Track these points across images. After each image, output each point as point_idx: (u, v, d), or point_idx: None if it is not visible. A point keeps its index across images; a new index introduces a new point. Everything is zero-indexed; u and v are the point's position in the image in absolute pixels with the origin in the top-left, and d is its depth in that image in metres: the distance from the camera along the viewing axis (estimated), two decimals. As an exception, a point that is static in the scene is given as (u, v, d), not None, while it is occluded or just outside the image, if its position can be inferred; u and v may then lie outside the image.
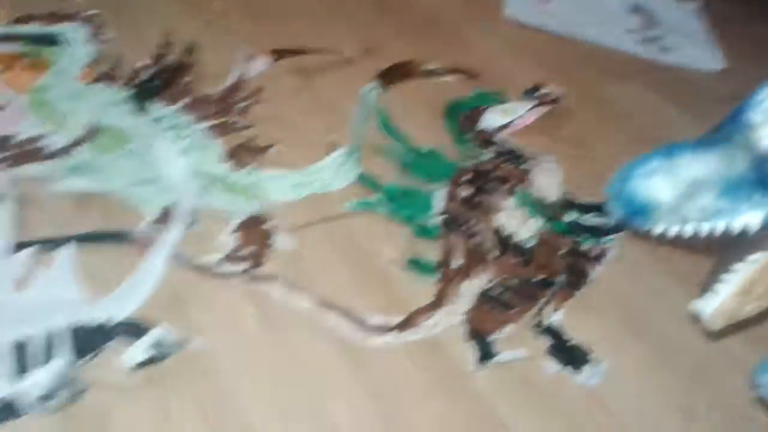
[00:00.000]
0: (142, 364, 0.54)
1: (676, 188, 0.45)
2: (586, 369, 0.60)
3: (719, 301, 0.48)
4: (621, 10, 1.19)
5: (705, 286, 0.49)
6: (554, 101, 0.91)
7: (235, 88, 0.86)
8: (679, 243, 0.48)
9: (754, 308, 0.49)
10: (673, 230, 0.46)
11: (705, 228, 0.46)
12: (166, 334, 0.55)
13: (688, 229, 0.46)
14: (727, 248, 0.49)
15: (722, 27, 1.17)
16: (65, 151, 0.73)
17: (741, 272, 0.48)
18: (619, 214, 0.47)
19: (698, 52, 1.09)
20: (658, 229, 0.47)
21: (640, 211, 0.46)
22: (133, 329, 0.56)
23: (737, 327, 0.55)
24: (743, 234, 0.46)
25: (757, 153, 0.45)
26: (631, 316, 0.66)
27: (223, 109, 0.82)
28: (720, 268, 0.49)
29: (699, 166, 0.45)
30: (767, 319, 0.59)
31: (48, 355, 0.53)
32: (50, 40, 0.85)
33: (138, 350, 0.54)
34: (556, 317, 0.64)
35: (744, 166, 0.45)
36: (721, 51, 1.10)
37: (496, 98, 0.91)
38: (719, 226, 0.46)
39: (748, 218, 0.45)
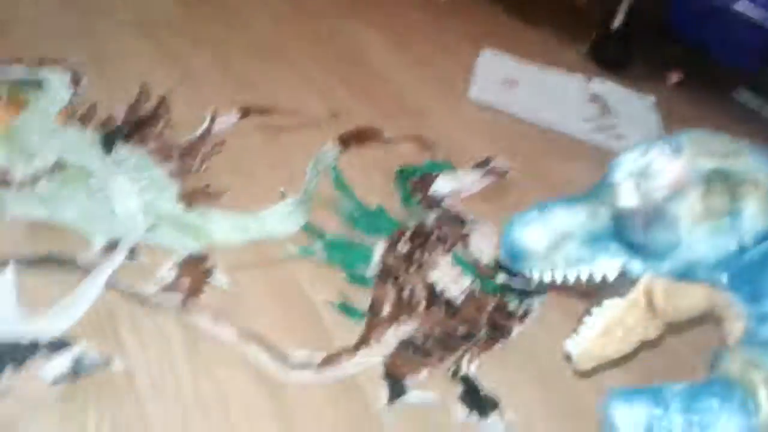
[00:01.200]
0: (60, 380, 0.56)
1: (548, 238, 0.50)
2: (493, 418, 0.62)
3: (583, 342, 0.52)
4: (580, 99, 1.26)
5: (575, 328, 0.54)
6: (501, 174, 0.96)
7: (201, 138, 0.91)
8: (563, 288, 0.52)
9: (616, 350, 0.53)
10: (546, 276, 0.51)
11: (571, 275, 0.51)
12: (87, 352, 0.57)
13: (558, 276, 0.51)
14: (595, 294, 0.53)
15: (673, 123, 1.25)
16: (27, 181, 0.77)
17: (600, 316, 0.52)
18: (503, 258, 0.52)
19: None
20: (534, 275, 0.51)
21: (518, 256, 0.51)
22: (57, 345, 0.58)
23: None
24: (604, 281, 0.50)
25: (615, 208, 0.50)
26: (544, 374, 0.69)
27: (186, 156, 0.87)
28: (587, 311, 0.53)
29: (568, 219, 0.50)
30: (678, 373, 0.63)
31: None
32: (32, 83, 0.91)
33: (56, 365, 0.56)
34: (472, 367, 0.67)
35: (605, 220, 0.50)
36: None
37: (448, 168, 0.96)
38: (583, 273, 0.50)
39: (606, 266, 0.50)
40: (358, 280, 0.74)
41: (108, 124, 0.88)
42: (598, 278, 0.51)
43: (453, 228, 0.84)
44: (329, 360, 0.64)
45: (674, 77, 1.45)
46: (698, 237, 0.49)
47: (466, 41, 1.38)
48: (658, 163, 0.50)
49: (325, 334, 0.68)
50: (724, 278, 0.51)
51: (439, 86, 1.22)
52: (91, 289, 0.65)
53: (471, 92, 1.20)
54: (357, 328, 0.69)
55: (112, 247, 0.71)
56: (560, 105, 1.22)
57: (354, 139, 0.98)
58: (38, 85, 0.91)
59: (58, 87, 0.92)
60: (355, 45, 1.27)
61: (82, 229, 0.73)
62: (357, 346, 0.66)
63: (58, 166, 0.80)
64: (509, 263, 0.52)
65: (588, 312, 0.53)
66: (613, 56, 1.40)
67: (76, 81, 0.93)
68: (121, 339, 0.62)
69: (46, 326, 0.61)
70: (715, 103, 1.41)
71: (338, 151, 0.94)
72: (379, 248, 0.78)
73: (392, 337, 0.68)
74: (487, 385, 0.65)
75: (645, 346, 0.57)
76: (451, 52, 1.34)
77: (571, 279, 0.51)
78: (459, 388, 0.64)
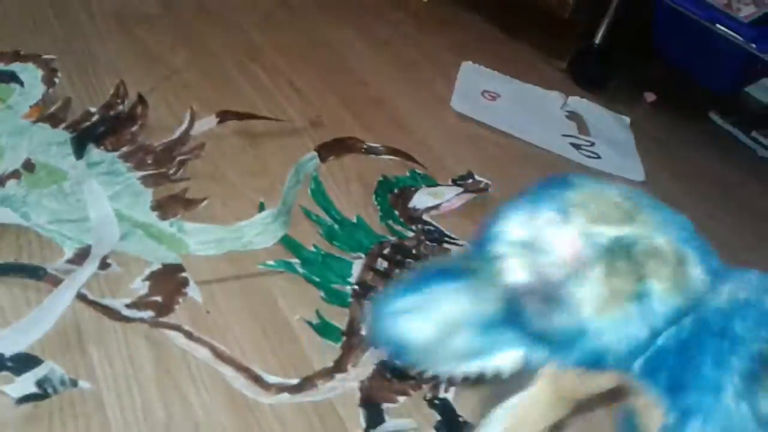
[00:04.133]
0: (25, 399, 0.54)
1: (433, 327, 0.43)
2: (470, 446, 0.61)
3: None
4: (559, 115, 1.27)
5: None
6: (482, 190, 0.96)
7: (178, 142, 0.89)
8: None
9: None
10: (430, 372, 0.44)
11: (458, 371, 0.43)
12: (54, 371, 0.55)
13: (443, 372, 0.44)
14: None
15: (648, 144, 1.27)
16: (-4, 182, 0.74)
17: (501, 420, 0.46)
18: (383, 351, 0.45)
19: (623, 162, 1.17)
20: (417, 370, 0.44)
21: (399, 350, 0.43)
22: (22, 362, 0.56)
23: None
24: (497, 377, 0.43)
25: (503, 288, 0.42)
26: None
27: (161, 160, 0.84)
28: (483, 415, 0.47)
29: (450, 304, 0.43)
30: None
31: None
32: (3, 78, 0.88)
33: (22, 384, 0.54)
34: (450, 393, 0.66)
35: (493, 303, 0.42)
36: (643, 165, 1.18)
37: (429, 181, 0.96)
38: (473, 368, 0.43)
39: (506, 358, 0.43)
40: (334, 298, 0.73)
41: (81, 124, 0.86)
42: (489, 374, 0.43)
43: (432, 245, 0.83)
44: (305, 383, 0.63)
45: (650, 97, 1.47)
46: (604, 325, 0.42)
47: (447, 49, 1.37)
48: (548, 234, 0.42)
49: (301, 354, 0.67)
50: (637, 367, 0.44)
51: (420, 94, 1.21)
52: (60, 301, 0.62)
53: (452, 102, 1.19)
54: (333, 348, 0.67)
55: (83, 254, 0.68)
56: (540, 120, 1.22)
57: (333, 148, 0.97)
58: (10, 79, 0.88)
59: (30, 83, 0.88)
60: (337, 50, 1.25)
61: (50, 235, 0.70)
62: (333, 370, 0.65)
63: (28, 167, 0.77)
64: (392, 357, 0.45)
65: (485, 416, 0.47)
66: (592, 73, 1.41)
67: (49, 77, 0.90)
68: (88, 355, 0.60)
69: (10, 340, 0.59)
70: (691, 124, 1.43)
71: (317, 161, 0.93)
72: (357, 265, 0.77)
73: (369, 360, 0.67)
74: (465, 413, 0.64)
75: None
76: (433, 59, 1.33)
77: (458, 377, 0.44)
78: (436, 415, 0.63)
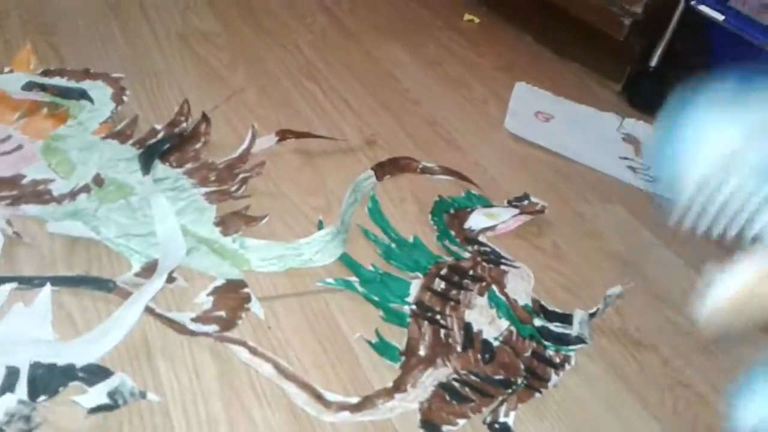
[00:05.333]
0: (97, 409, 0.55)
1: (714, 161, 0.40)
2: (532, 472, 0.60)
3: (712, 305, 0.45)
4: (615, 137, 1.25)
5: (704, 290, 0.46)
6: (537, 212, 0.95)
7: (239, 159, 0.91)
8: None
9: (746, 322, 0.46)
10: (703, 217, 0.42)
11: (720, 224, 0.42)
12: (125, 382, 0.57)
13: (705, 220, 0.42)
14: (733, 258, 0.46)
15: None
16: (68, 196, 0.77)
17: (733, 279, 0.45)
18: (657, 176, 0.43)
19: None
20: (690, 210, 0.42)
21: (674, 182, 0.42)
22: (94, 374, 0.57)
23: None
24: (756, 238, 0.42)
25: None
26: (582, 428, 0.67)
27: (224, 178, 0.86)
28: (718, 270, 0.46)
29: (735, 138, 0.40)
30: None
31: (7, 389, 0.54)
32: (74, 95, 0.91)
33: (94, 395, 0.55)
34: (510, 417, 0.65)
35: None
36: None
37: (484, 202, 0.96)
38: (737, 222, 0.41)
39: None
40: (393, 317, 0.73)
41: (147, 141, 0.88)
42: (755, 233, 0.41)
43: (489, 267, 0.83)
44: (365, 403, 0.63)
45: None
46: None
47: (499, 69, 1.37)
48: None
49: (361, 373, 0.67)
50: None
51: (473, 114, 1.21)
52: (129, 314, 0.64)
53: (506, 123, 1.19)
54: (392, 368, 0.67)
55: (150, 269, 0.70)
56: (595, 142, 1.21)
57: (389, 168, 0.98)
58: (80, 96, 0.91)
59: (100, 100, 0.91)
60: (389, 69, 1.26)
61: (119, 248, 0.73)
62: (393, 390, 0.65)
63: (98, 182, 0.80)
64: (661, 188, 0.44)
65: (720, 271, 0.45)
66: (648, 95, 1.39)
67: (118, 95, 0.93)
68: (155, 368, 0.62)
69: (82, 350, 0.60)
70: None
71: (373, 180, 0.94)
72: (415, 285, 0.78)
73: (429, 380, 0.67)
74: (524, 438, 0.63)
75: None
76: (485, 79, 1.33)
77: (719, 229, 0.42)
78: (496, 440, 0.63)
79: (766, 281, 0.45)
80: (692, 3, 1.28)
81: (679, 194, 0.42)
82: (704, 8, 1.27)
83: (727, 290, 0.45)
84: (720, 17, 1.27)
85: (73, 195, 0.77)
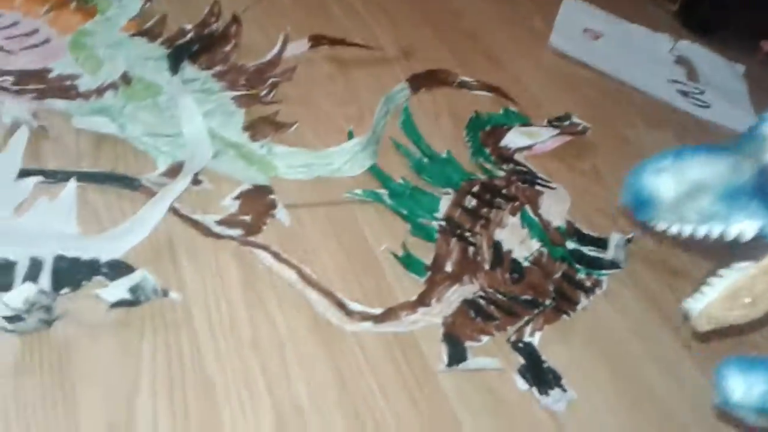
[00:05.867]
0: (118, 304, 0.55)
1: (680, 188, 0.46)
2: (554, 393, 0.59)
3: (705, 303, 0.49)
4: (667, 59, 1.18)
5: (698, 287, 0.50)
6: (579, 133, 0.91)
7: (270, 64, 0.87)
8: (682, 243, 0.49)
9: (740, 316, 0.49)
10: (673, 229, 0.48)
11: (701, 231, 0.47)
12: (147, 279, 0.56)
13: (686, 230, 0.47)
14: (724, 253, 0.49)
15: (762, 96, 1.17)
16: (95, 92, 0.75)
17: (727, 278, 0.48)
18: (626, 204, 0.48)
19: (733, 112, 1.08)
20: (659, 226, 0.48)
21: (644, 205, 0.47)
22: (117, 269, 0.57)
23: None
24: (737, 241, 0.46)
25: (761, 163, 0.45)
26: (610, 352, 0.65)
27: (253, 82, 0.83)
28: (712, 272, 0.49)
29: (705, 169, 0.46)
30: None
31: (31, 279, 0.54)
32: (103, -11, 0.88)
33: (116, 290, 0.55)
34: (535, 337, 0.64)
35: (747, 175, 0.45)
36: (755, 117, 1.09)
37: (523, 120, 0.92)
38: (715, 230, 0.46)
39: (742, 226, 0.46)
40: (421, 232, 0.71)
41: (177, 40, 0.85)
42: (731, 237, 0.46)
43: (523, 186, 0.80)
44: (388, 314, 0.62)
45: (767, 46, 1.35)
46: None
47: (547, -18, 1.29)
48: None
49: (385, 285, 0.66)
50: None
51: (517, 29, 1.15)
52: (154, 212, 0.63)
53: (552, 39, 1.13)
54: (418, 282, 0.66)
55: (176, 169, 0.69)
56: (645, 63, 1.14)
57: (425, 80, 0.93)
58: (107, -9, 0.88)
59: (128, -4, 0.88)
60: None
61: (145, 147, 0.71)
62: (417, 303, 0.63)
63: (125, 80, 0.78)
64: (632, 211, 0.48)
65: (715, 273, 0.49)
66: (705, 17, 1.30)
67: (148, -9, 0.90)
68: (179, 268, 0.61)
69: (106, 246, 0.60)
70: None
71: (408, 93, 0.90)
72: (445, 201, 0.75)
73: (454, 296, 0.65)
74: (550, 359, 0.62)
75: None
76: (531, -8, 1.26)
77: (700, 235, 0.47)
78: (519, 359, 0.62)
79: (762, 279, 0.48)
80: None
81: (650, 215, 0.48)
82: None
83: (719, 289, 0.48)
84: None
85: (99, 92, 0.75)
